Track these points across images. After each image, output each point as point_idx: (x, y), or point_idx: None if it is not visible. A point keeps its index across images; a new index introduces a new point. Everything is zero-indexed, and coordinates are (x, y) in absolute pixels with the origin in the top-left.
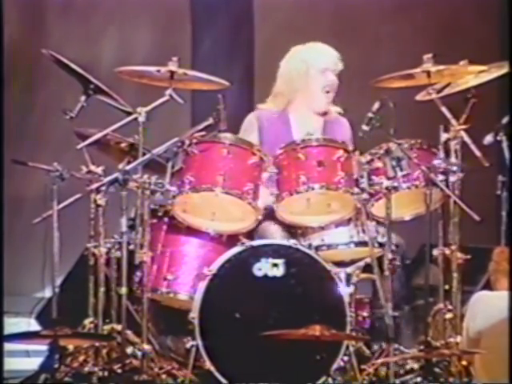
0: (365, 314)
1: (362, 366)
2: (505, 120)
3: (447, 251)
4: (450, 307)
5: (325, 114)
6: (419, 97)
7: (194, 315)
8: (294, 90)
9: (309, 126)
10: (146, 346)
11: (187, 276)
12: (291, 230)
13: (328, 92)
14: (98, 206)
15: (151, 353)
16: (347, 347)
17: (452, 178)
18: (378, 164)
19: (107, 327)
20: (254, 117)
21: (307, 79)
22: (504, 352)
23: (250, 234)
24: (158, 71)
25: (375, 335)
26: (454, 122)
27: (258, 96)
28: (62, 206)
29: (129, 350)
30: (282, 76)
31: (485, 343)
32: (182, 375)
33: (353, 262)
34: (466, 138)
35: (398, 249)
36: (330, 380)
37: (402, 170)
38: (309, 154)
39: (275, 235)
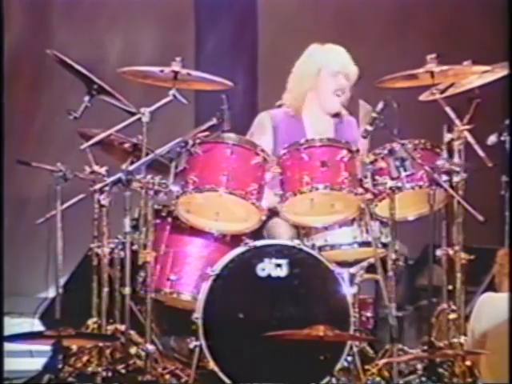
0: (368, 314)
1: (366, 367)
2: (507, 121)
3: (451, 251)
4: (453, 307)
5: (337, 114)
6: (423, 97)
7: (197, 315)
8: (304, 89)
9: (321, 126)
10: (150, 347)
11: (190, 276)
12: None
13: (339, 95)
14: (101, 206)
15: (155, 353)
16: (351, 347)
17: (456, 179)
18: (382, 164)
19: (111, 327)
20: (268, 116)
21: (318, 80)
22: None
23: (259, 231)
24: (162, 71)
25: (379, 335)
26: (457, 122)
27: (261, 96)
28: (65, 206)
29: (132, 350)
30: (295, 74)
31: (490, 344)
32: (186, 375)
33: (356, 262)
34: (470, 139)
35: (401, 256)
36: (333, 380)
37: (405, 170)
38: (312, 155)
39: (284, 232)
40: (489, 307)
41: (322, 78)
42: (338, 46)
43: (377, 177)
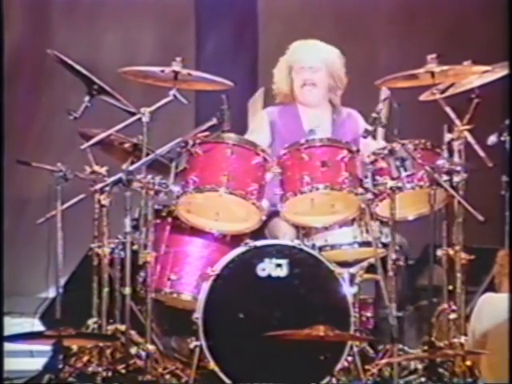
0: (368, 314)
1: (366, 367)
2: (507, 121)
3: (451, 251)
4: (453, 307)
5: (333, 107)
6: (423, 97)
7: (197, 315)
8: (285, 89)
9: (317, 119)
10: (150, 347)
11: (191, 276)
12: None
13: (309, 88)
14: (101, 206)
15: (155, 353)
16: (351, 347)
17: (456, 179)
18: (382, 164)
19: (111, 327)
20: (265, 113)
21: (289, 80)
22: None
23: (260, 231)
24: (162, 71)
25: (379, 335)
26: (457, 122)
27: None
28: (65, 206)
29: (133, 350)
30: (274, 76)
31: (491, 344)
32: (186, 375)
33: (356, 262)
34: (470, 138)
35: (401, 249)
36: (333, 380)
37: (406, 170)
38: (312, 155)
39: (286, 231)
40: (489, 307)
41: (291, 77)
42: (307, 40)
43: (377, 177)
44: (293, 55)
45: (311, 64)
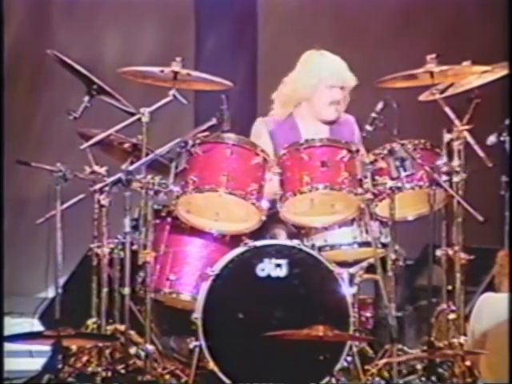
0: (368, 314)
1: (366, 367)
2: (507, 121)
3: (450, 252)
4: (453, 308)
5: (333, 122)
6: (422, 97)
7: (197, 315)
8: (300, 98)
9: (315, 130)
10: (150, 347)
11: (190, 276)
12: (298, 230)
13: (335, 107)
14: (101, 206)
15: (154, 353)
16: (350, 347)
17: (455, 179)
18: (382, 164)
19: (110, 327)
20: (262, 122)
21: (315, 92)
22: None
23: (259, 231)
24: (162, 71)
25: (378, 336)
26: (457, 122)
27: (260, 96)
28: (65, 206)
29: (132, 350)
30: (293, 82)
31: (490, 344)
32: (186, 375)
33: (356, 262)
34: (470, 139)
35: (399, 257)
36: (333, 380)
37: (405, 170)
38: (312, 155)
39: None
40: (489, 307)
41: (319, 91)
42: (335, 56)
43: (377, 177)
44: (325, 70)
45: (343, 84)
